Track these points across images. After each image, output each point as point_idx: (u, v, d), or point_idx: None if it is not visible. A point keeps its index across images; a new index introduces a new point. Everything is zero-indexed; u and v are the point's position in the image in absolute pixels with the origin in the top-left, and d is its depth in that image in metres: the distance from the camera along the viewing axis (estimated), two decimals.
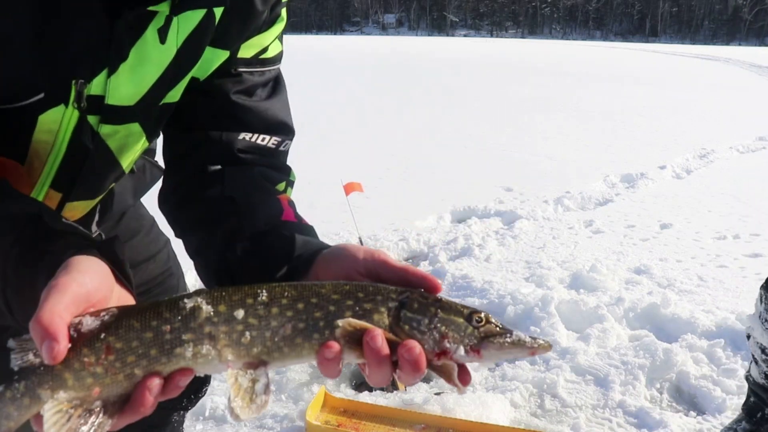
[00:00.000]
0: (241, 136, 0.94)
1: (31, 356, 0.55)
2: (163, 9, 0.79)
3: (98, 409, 0.56)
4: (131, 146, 0.93)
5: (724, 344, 2.44)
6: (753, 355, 1.75)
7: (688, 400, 2.21)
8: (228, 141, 0.93)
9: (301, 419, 1.97)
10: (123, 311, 0.58)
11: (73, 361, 0.55)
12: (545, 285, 3.09)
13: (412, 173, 5.71)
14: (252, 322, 0.59)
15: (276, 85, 0.99)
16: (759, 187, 5.40)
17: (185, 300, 0.58)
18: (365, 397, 2.12)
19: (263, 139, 0.95)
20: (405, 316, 0.61)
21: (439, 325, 0.61)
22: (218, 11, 0.85)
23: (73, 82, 0.79)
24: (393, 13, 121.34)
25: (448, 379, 0.63)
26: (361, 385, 2.33)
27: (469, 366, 0.63)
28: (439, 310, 0.62)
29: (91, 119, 0.84)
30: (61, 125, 0.82)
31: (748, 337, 1.78)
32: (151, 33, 0.80)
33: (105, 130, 0.87)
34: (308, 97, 11.28)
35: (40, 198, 0.89)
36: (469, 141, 7.44)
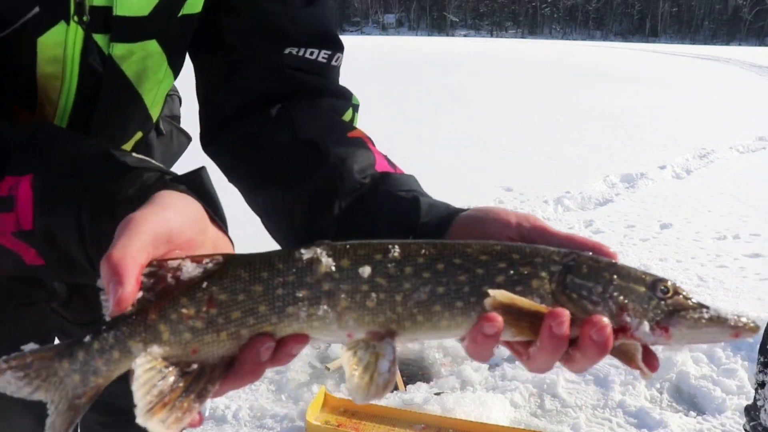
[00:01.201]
0: (287, 50, 0.79)
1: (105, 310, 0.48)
2: None
3: (196, 371, 0.47)
4: (152, 74, 0.78)
5: (723, 344, 2.44)
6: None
7: (688, 400, 2.21)
8: (273, 59, 0.79)
9: (302, 419, 1.97)
10: (229, 259, 0.49)
11: (169, 312, 0.47)
12: None
13: (412, 173, 5.71)
14: (380, 282, 0.48)
15: None
16: (759, 187, 5.40)
17: (302, 251, 0.48)
18: None
19: (312, 53, 0.81)
20: (572, 283, 0.49)
21: (615, 294, 0.49)
22: None
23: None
24: (393, 13, 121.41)
25: (630, 361, 0.49)
26: None
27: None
28: (614, 276, 0.49)
29: (99, 38, 0.69)
30: (66, 49, 0.68)
31: (761, 384, 1.69)
32: None
33: (117, 50, 0.71)
34: None
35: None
36: (469, 141, 7.44)
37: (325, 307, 0.48)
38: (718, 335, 0.49)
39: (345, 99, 0.86)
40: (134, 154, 0.61)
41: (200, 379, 0.47)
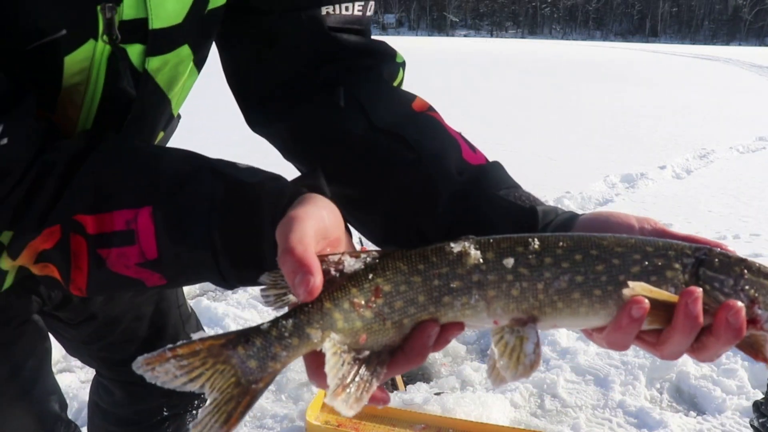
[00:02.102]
0: (324, 10, 0.72)
1: (286, 294, 0.52)
2: None
3: (367, 357, 0.51)
4: (180, 77, 0.75)
5: None
6: None
7: (688, 400, 2.21)
8: (315, 21, 0.72)
9: (301, 419, 1.97)
10: (386, 254, 0.53)
11: (342, 301, 0.51)
12: None
13: None
14: (523, 272, 0.52)
15: None
16: (759, 188, 5.40)
17: (452, 245, 0.53)
18: None
19: (347, 8, 0.74)
20: (705, 275, 0.52)
21: (747, 287, 0.51)
22: None
23: (99, 7, 0.60)
24: (393, 13, 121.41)
25: (757, 353, 0.53)
26: None
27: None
28: (745, 270, 0.52)
29: (134, 53, 0.66)
30: (93, 61, 0.65)
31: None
32: None
33: (153, 64, 0.69)
34: None
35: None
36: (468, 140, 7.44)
37: (476, 296, 0.52)
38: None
39: (392, 60, 0.81)
40: (239, 164, 0.61)
41: (371, 363, 0.51)
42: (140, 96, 0.70)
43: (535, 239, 0.53)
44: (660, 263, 0.52)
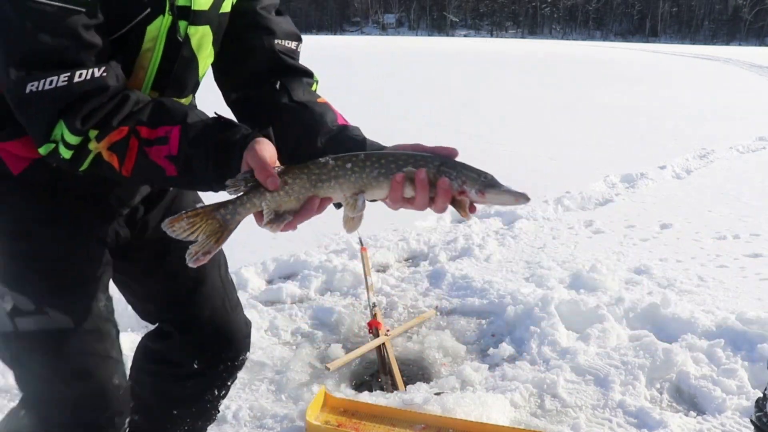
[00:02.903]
0: (279, 43, 1.26)
1: (242, 187, 0.96)
2: None
3: (282, 213, 0.98)
4: (204, 48, 1.19)
5: (724, 344, 2.44)
6: None
7: (688, 400, 2.21)
8: (273, 49, 1.26)
9: (301, 419, 1.97)
10: (291, 166, 0.98)
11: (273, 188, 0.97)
12: (545, 285, 3.09)
13: None
14: (355, 169, 0.98)
15: (279, 7, 1.31)
16: (759, 187, 5.39)
17: (321, 159, 0.98)
18: (365, 397, 2.12)
19: (289, 44, 1.28)
20: (443, 170, 0.97)
21: (462, 176, 0.97)
22: None
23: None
24: (393, 13, 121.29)
25: (462, 209, 0.99)
26: (361, 386, 2.33)
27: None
28: (462, 168, 0.98)
29: (182, 24, 1.12)
30: (160, 31, 1.09)
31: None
32: None
33: (191, 31, 1.14)
34: None
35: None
36: (468, 141, 7.44)
37: (334, 182, 0.98)
38: (506, 200, 0.97)
39: (311, 77, 1.30)
40: (226, 117, 1.04)
41: (284, 215, 0.98)
42: (182, 56, 1.15)
43: (362, 154, 0.99)
44: (422, 163, 0.97)
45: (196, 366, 1.37)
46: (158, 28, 1.08)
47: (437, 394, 2.10)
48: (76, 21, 0.95)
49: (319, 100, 1.24)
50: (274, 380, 2.27)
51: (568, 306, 2.72)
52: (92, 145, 0.99)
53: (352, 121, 1.23)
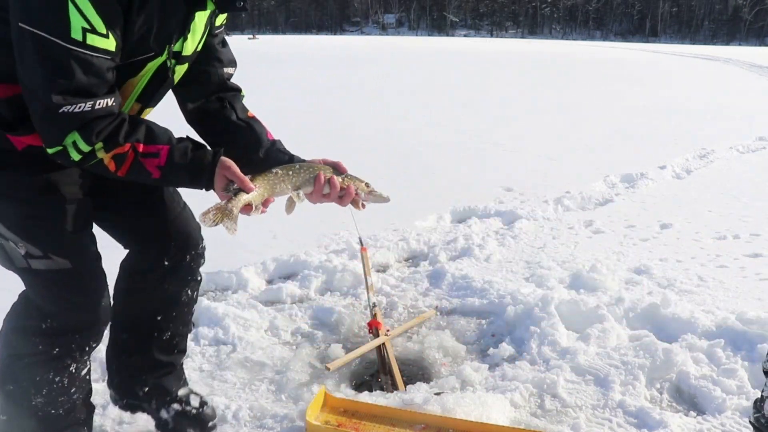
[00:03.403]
0: (225, 70, 1.73)
1: (231, 191, 1.45)
2: (210, 7, 1.51)
3: (258, 205, 1.50)
4: (179, 76, 1.61)
5: (724, 344, 2.44)
6: None
7: (688, 400, 2.20)
8: (221, 73, 1.73)
9: (301, 419, 1.97)
10: (257, 175, 1.51)
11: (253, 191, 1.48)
12: (545, 285, 3.09)
13: (412, 173, 5.71)
14: (294, 175, 1.53)
15: (224, 38, 1.75)
16: (759, 187, 5.39)
17: (272, 170, 1.52)
18: (365, 397, 2.12)
19: (230, 70, 1.75)
20: (348, 177, 1.58)
21: (358, 182, 1.59)
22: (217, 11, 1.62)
23: (167, 45, 1.47)
24: (393, 13, 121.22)
25: (356, 205, 1.60)
26: (361, 385, 2.33)
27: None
28: (357, 180, 1.59)
29: (171, 62, 1.53)
30: (155, 66, 1.50)
31: (766, 373, 1.67)
32: (199, 18, 1.53)
33: (178, 68, 1.57)
34: (310, 96, 11.27)
35: (127, 108, 1.54)
36: (469, 141, 7.44)
37: (283, 184, 1.53)
38: (380, 200, 1.61)
39: (241, 91, 1.78)
40: (197, 140, 1.51)
41: (259, 205, 1.50)
42: (165, 83, 1.56)
43: (296, 165, 1.56)
44: (336, 172, 1.58)
45: (167, 263, 1.77)
46: (155, 64, 1.49)
47: (437, 394, 2.10)
48: (103, 65, 1.31)
49: (250, 114, 1.75)
50: (274, 380, 2.27)
51: (568, 306, 2.72)
52: (100, 154, 1.35)
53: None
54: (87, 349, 1.62)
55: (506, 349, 2.47)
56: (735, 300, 2.98)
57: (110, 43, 1.30)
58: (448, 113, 9.69)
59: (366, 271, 2.79)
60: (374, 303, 2.62)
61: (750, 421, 1.73)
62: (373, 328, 2.48)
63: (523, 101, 11.48)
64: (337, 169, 1.57)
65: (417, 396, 2.05)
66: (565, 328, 2.58)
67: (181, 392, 1.92)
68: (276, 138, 1.71)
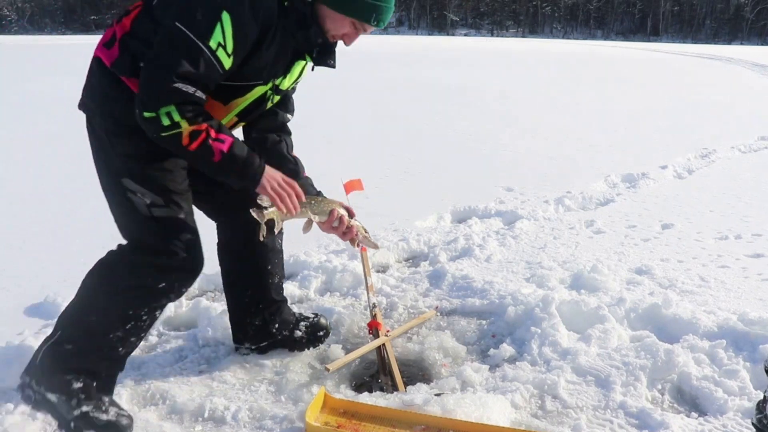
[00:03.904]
0: (287, 115, 2.21)
1: (267, 205, 1.91)
2: (308, 60, 1.99)
3: (280, 221, 1.98)
4: (271, 104, 2.07)
5: (726, 345, 2.43)
6: None
7: (690, 401, 2.19)
8: (284, 117, 2.20)
9: (301, 420, 1.96)
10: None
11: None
12: (546, 285, 3.08)
13: (412, 173, 5.70)
14: (314, 205, 1.98)
15: (295, 89, 2.21)
16: (761, 187, 5.38)
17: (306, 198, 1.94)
18: (365, 398, 2.11)
19: (290, 116, 2.22)
20: (351, 221, 2.04)
21: (357, 227, 2.06)
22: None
23: (272, 79, 1.94)
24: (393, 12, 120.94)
25: (353, 243, 2.10)
26: (361, 386, 2.32)
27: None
28: (359, 223, 2.06)
29: (270, 92, 1.99)
30: (259, 92, 1.95)
31: (767, 371, 1.66)
32: (298, 65, 2.00)
33: (274, 98, 2.03)
34: (310, 95, 11.26)
35: (226, 120, 1.96)
36: (469, 141, 7.43)
37: (305, 210, 1.97)
38: (371, 245, 2.17)
39: (291, 134, 2.24)
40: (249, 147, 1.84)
41: (280, 222, 1.99)
42: (261, 106, 2.02)
43: (320, 198, 2.04)
44: (347, 213, 2.05)
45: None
46: (260, 90, 1.94)
47: (437, 395, 2.09)
48: (216, 74, 1.72)
49: (293, 154, 2.17)
50: (274, 381, 2.26)
51: (569, 306, 2.71)
52: (183, 125, 1.68)
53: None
54: (183, 290, 1.95)
55: (507, 349, 2.46)
56: (737, 300, 2.97)
57: (228, 63, 1.72)
58: (448, 113, 9.68)
59: (366, 271, 2.78)
60: (374, 303, 2.61)
61: (752, 423, 1.72)
62: (373, 329, 2.48)
63: (523, 100, 11.46)
64: (348, 211, 2.03)
65: (417, 397, 2.04)
66: (566, 328, 2.57)
67: (297, 315, 2.47)
68: (307, 175, 2.17)
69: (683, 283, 3.15)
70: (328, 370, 2.26)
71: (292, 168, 2.09)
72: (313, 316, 2.51)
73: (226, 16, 1.65)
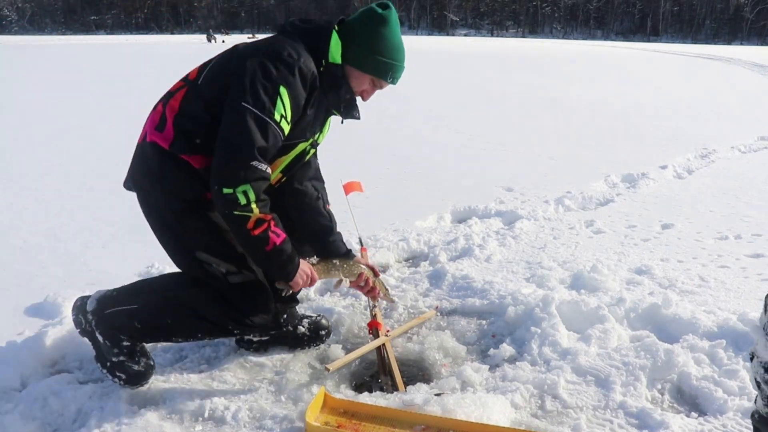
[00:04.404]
0: (317, 161, 2.38)
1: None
2: (337, 116, 2.22)
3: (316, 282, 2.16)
4: (309, 157, 2.25)
5: (725, 345, 2.43)
6: (756, 380, 1.52)
7: (690, 401, 2.19)
8: (317, 164, 2.38)
9: (301, 420, 1.96)
10: (321, 263, 2.21)
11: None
12: (546, 285, 3.08)
13: (412, 173, 5.70)
14: (345, 268, 2.25)
15: None
16: (761, 188, 5.38)
17: (333, 261, 2.23)
18: (365, 398, 2.11)
19: (317, 162, 2.38)
20: (378, 280, 2.36)
21: (379, 286, 2.37)
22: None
23: (310, 135, 2.12)
24: None
25: (374, 299, 2.50)
26: (361, 386, 2.32)
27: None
28: (381, 283, 2.39)
29: (309, 147, 2.18)
30: (301, 149, 2.14)
31: (752, 357, 1.60)
32: (329, 120, 2.25)
33: (311, 151, 2.23)
34: None
35: (274, 176, 2.12)
36: (468, 140, 7.43)
37: (335, 272, 2.25)
38: (390, 301, 2.62)
39: (324, 183, 2.38)
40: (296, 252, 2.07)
41: (315, 281, 2.17)
42: (301, 161, 2.21)
43: (350, 261, 2.28)
44: (372, 273, 2.35)
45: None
46: (302, 146, 2.13)
47: (437, 394, 2.09)
48: (280, 142, 1.93)
49: (328, 208, 2.33)
50: (274, 381, 2.26)
51: (568, 306, 2.71)
52: (254, 208, 1.84)
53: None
54: (255, 338, 2.43)
55: (507, 349, 2.46)
56: (737, 300, 2.97)
57: (287, 130, 1.93)
58: (448, 113, 9.68)
59: None
60: (374, 303, 2.61)
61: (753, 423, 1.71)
62: (373, 329, 2.48)
63: (523, 100, 11.46)
64: (372, 270, 2.31)
65: (417, 397, 2.04)
66: (566, 328, 2.57)
67: (301, 313, 2.58)
68: (339, 230, 2.34)
69: (683, 283, 3.15)
70: (328, 370, 2.26)
71: (326, 225, 2.28)
72: (314, 315, 2.57)
73: (283, 90, 1.86)
